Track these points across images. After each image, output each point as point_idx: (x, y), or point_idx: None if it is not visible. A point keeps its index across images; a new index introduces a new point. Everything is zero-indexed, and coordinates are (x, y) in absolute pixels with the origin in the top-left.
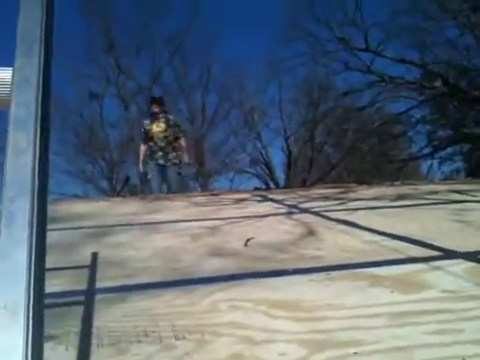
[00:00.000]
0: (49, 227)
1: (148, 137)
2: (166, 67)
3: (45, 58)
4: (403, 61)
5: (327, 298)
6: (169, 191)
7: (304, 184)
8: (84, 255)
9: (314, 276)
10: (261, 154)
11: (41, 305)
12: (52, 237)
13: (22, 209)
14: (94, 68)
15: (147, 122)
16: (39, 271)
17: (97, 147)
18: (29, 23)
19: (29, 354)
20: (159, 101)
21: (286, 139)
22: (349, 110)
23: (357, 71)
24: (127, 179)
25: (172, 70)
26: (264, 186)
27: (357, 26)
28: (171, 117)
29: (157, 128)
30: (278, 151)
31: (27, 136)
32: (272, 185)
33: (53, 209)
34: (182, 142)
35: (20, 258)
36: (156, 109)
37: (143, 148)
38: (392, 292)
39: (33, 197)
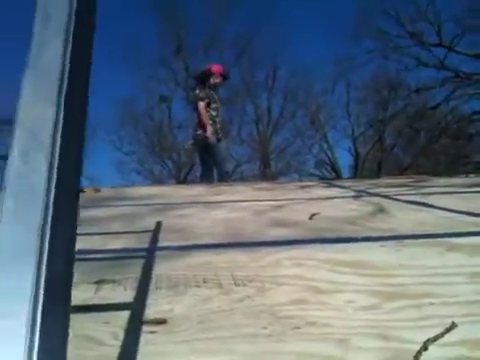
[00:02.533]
0: (118, 203)
1: (214, 106)
2: (233, 69)
3: None
4: (479, 56)
5: (399, 260)
6: (222, 167)
7: None
8: (148, 223)
9: (385, 243)
10: (327, 156)
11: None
12: (119, 210)
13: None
14: (164, 71)
15: (210, 91)
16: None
17: (165, 148)
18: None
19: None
20: (222, 73)
21: (354, 140)
22: (421, 109)
23: (430, 67)
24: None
25: (239, 71)
26: None
27: (430, 21)
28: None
29: (219, 100)
30: (345, 153)
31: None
32: None
33: (122, 191)
34: None
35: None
36: (219, 80)
37: (206, 110)
38: (471, 256)
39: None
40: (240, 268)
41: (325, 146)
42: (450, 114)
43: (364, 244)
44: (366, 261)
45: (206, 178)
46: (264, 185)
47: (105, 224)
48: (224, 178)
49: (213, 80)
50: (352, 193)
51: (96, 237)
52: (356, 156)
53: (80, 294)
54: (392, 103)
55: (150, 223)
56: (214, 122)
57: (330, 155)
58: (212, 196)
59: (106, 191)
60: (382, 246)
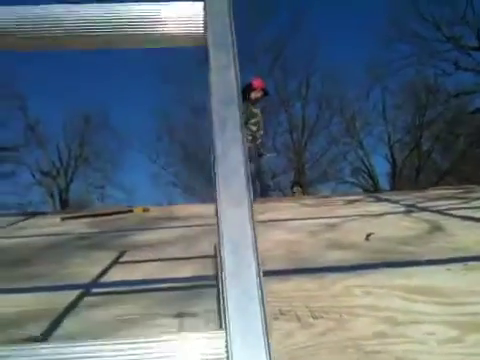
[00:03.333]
0: (170, 225)
1: (254, 121)
2: (266, 78)
3: None
4: None
5: (468, 286)
6: (263, 181)
7: None
8: (206, 247)
9: (450, 266)
10: (363, 163)
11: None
12: (173, 232)
13: (232, 114)
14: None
15: (250, 105)
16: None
17: (202, 161)
18: None
19: (263, 293)
20: (262, 86)
21: (390, 147)
22: (460, 113)
23: (469, 71)
24: None
25: (272, 81)
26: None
27: (468, 23)
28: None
29: (260, 114)
30: (381, 159)
31: (227, 57)
32: None
33: (170, 210)
34: None
35: (237, 159)
36: (259, 94)
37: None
38: None
39: (239, 104)
40: (312, 298)
41: (361, 153)
42: None
43: (430, 268)
44: (435, 287)
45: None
46: (311, 201)
47: (162, 248)
48: (266, 192)
49: (254, 95)
50: (402, 208)
51: (159, 263)
52: (393, 163)
53: (165, 330)
54: (430, 108)
55: (207, 246)
56: (254, 138)
57: (366, 162)
58: (260, 214)
59: (154, 210)
60: (448, 270)
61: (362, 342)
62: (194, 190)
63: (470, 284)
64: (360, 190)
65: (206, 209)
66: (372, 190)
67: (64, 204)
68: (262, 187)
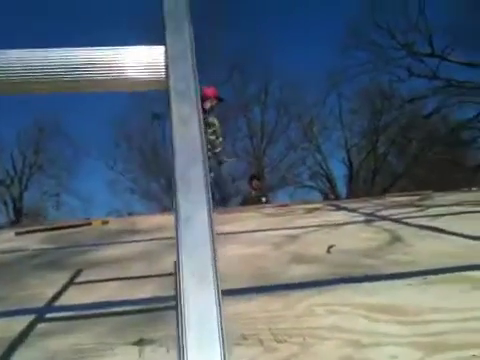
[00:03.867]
0: (130, 238)
1: (211, 131)
2: (225, 84)
3: (191, 35)
4: (471, 64)
5: (429, 302)
6: (222, 190)
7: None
8: (167, 264)
9: (410, 280)
10: (321, 167)
11: (217, 271)
12: (134, 247)
13: (196, 174)
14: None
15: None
16: (213, 237)
17: (159, 165)
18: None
19: (222, 316)
20: (215, 94)
21: (347, 151)
22: (414, 118)
23: (422, 77)
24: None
25: (231, 87)
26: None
27: (421, 31)
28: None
29: (217, 123)
30: (339, 163)
31: (190, 107)
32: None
33: (131, 222)
34: None
35: (201, 223)
36: (213, 104)
37: None
38: None
39: (204, 162)
40: (276, 319)
41: (319, 157)
42: (442, 122)
43: (391, 283)
44: (397, 305)
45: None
46: (271, 210)
47: (124, 266)
48: (226, 200)
49: (209, 104)
50: (362, 218)
51: (118, 283)
52: (350, 166)
53: (124, 359)
54: (385, 113)
55: (169, 262)
56: (214, 146)
57: (324, 166)
58: (222, 225)
59: (114, 222)
60: (408, 285)
61: None
62: (153, 196)
63: (431, 300)
64: (318, 194)
65: (167, 220)
66: (330, 193)
67: (18, 212)
68: (222, 195)
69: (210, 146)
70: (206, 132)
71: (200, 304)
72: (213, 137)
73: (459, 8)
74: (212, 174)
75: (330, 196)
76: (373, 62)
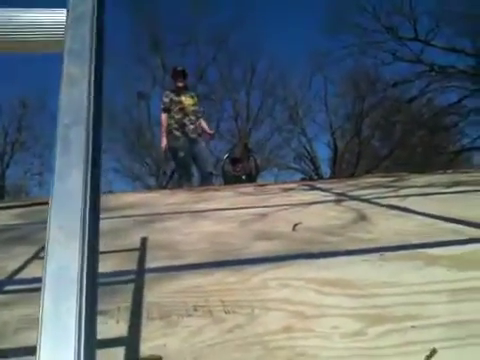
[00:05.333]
0: (104, 216)
1: (177, 109)
2: (210, 65)
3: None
4: (454, 50)
5: (382, 277)
6: (202, 168)
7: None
8: (134, 240)
9: (367, 256)
10: (306, 149)
11: (96, 227)
12: (103, 225)
13: (77, 136)
14: (141, 68)
15: (172, 94)
16: (94, 195)
17: (144, 146)
18: None
19: (84, 273)
20: (184, 74)
21: (332, 134)
22: (398, 102)
23: (406, 61)
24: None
25: (216, 69)
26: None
27: (405, 15)
28: (193, 93)
29: (187, 101)
30: (324, 146)
31: (81, 68)
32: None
33: (104, 200)
34: (202, 122)
35: (76, 182)
36: (181, 83)
37: (166, 120)
38: (449, 270)
39: (88, 124)
40: (229, 291)
41: (304, 140)
42: (426, 107)
43: (347, 259)
44: (350, 279)
45: (183, 179)
46: (247, 189)
47: None
48: (207, 179)
49: (175, 83)
50: (333, 197)
51: None
52: (335, 149)
53: None
54: (369, 97)
55: (136, 239)
56: (183, 125)
57: (309, 149)
58: (196, 204)
59: None
60: (365, 261)
61: (268, 338)
62: (136, 176)
63: (384, 275)
64: (303, 176)
65: (141, 198)
66: (314, 175)
67: (0, 191)
68: (202, 175)
69: (177, 125)
70: (170, 111)
71: (63, 257)
72: (179, 116)
73: None
74: (182, 154)
75: (314, 178)
76: (358, 45)
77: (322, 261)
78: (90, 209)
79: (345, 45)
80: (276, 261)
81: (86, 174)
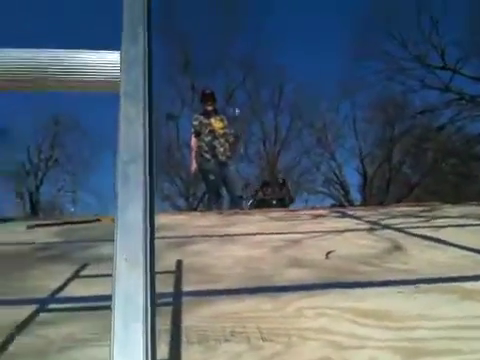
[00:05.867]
0: None
1: (207, 132)
2: (239, 88)
3: (149, 41)
4: None
5: (417, 309)
6: (231, 191)
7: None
8: (168, 262)
9: (402, 288)
10: (335, 174)
11: (154, 257)
12: None
13: (136, 171)
14: (170, 89)
15: (201, 117)
16: (151, 225)
17: (174, 166)
18: (134, 8)
19: (148, 300)
20: (213, 97)
21: (361, 159)
22: (428, 129)
23: (434, 89)
24: (170, 116)
25: (245, 91)
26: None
27: (433, 44)
28: (223, 116)
29: (217, 124)
30: (353, 171)
31: (137, 109)
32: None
33: None
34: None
35: (136, 215)
36: (210, 107)
37: (196, 144)
38: None
39: (145, 160)
40: (265, 319)
41: (333, 164)
42: (456, 135)
43: (382, 290)
44: (385, 311)
45: (212, 202)
46: (278, 214)
47: None
48: (237, 202)
49: (204, 106)
50: (365, 225)
51: None
52: (364, 175)
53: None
54: (398, 123)
55: (170, 261)
56: (213, 147)
57: (338, 173)
58: (226, 227)
59: None
60: (400, 292)
61: None
62: (166, 196)
63: (419, 308)
64: (332, 201)
65: (172, 220)
66: (344, 200)
67: (34, 207)
68: (231, 198)
69: (207, 147)
70: (200, 135)
71: (129, 286)
72: (208, 138)
73: (472, 23)
74: (212, 177)
75: (344, 203)
76: (385, 71)
77: (356, 291)
78: (150, 240)
79: (373, 71)
80: (310, 289)
81: (145, 207)
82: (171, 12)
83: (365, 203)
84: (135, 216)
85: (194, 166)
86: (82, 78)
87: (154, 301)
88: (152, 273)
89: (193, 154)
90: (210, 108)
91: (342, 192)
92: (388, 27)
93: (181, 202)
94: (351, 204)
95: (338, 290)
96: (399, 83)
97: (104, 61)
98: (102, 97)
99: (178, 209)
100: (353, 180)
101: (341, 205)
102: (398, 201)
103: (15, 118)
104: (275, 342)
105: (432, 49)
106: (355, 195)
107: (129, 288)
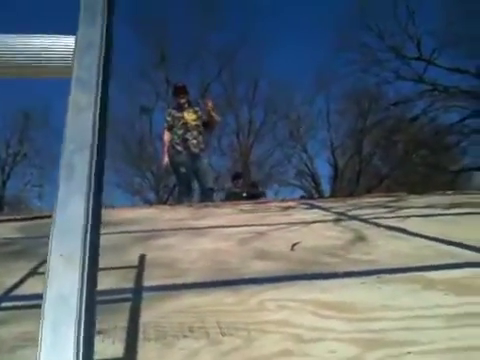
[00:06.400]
0: (104, 231)
1: (180, 125)
2: (215, 81)
3: (107, 26)
4: (458, 70)
5: (379, 300)
6: (203, 183)
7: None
8: (132, 257)
9: (365, 279)
10: (307, 166)
11: (96, 255)
12: (102, 241)
13: (81, 162)
14: (145, 83)
15: (174, 111)
16: (95, 221)
17: (146, 160)
18: None
19: (83, 300)
20: (185, 90)
21: (333, 151)
22: (400, 121)
23: (409, 80)
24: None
25: (220, 84)
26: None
27: (409, 35)
28: (197, 108)
29: (190, 116)
30: (324, 163)
31: (88, 96)
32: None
33: (104, 214)
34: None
35: (78, 209)
36: (182, 99)
37: (168, 137)
38: (446, 295)
39: (92, 152)
40: (226, 313)
41: (305, 157)
42: (427, 126)
43: (345, 281)
44: (348, 302)
45: (183, 195)
46: (247, 206)
47: None
48: (208, 195)
49: (177, 100)
50: (332, 216)
51: None
52: (335, 166)
53: None
54: (371, 115)
55: (134, 256)
56: (185, 140)
57: (310, 165)
58: (196, 220)
59: None
60: (363, 283)
61: None
62: (136, 190)
63: (382, 298)
64: (303, 193)
65: (140, 214)
66: (315, 192)
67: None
68: (202, 190)
69: (180, 140)
70: (173, 128)
71: (63, 284)
72: (180, 132)
73: (448, 14)
74: (183, 169)
75: (314, 195)
76: (361, 63)
77: (319, 283)
78: (91, 237)
79: (348, 63)
80: (273, 282)
81: (88, 201)
82: (146, 3)
83: (335, 195)
84: (76, 210)
85: (165, 160)
86: (33, 63)
87: (93, 301)
88: (93, 271)
89: (165, 148)
90: (183, 100)
91: (313, 184)
92: (365, 18)
93: (151, 196)
94: (321, 196)
95: (302, 282)
96: (374, 75)
97: (58, 46)
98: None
99: (149, 203)
100: (324, 172)
101: (311, 197)
102: (368, 192)
103: None
104: (235, 336)
105: (408, 40)
106: (326, 187)
107: (62, 288)
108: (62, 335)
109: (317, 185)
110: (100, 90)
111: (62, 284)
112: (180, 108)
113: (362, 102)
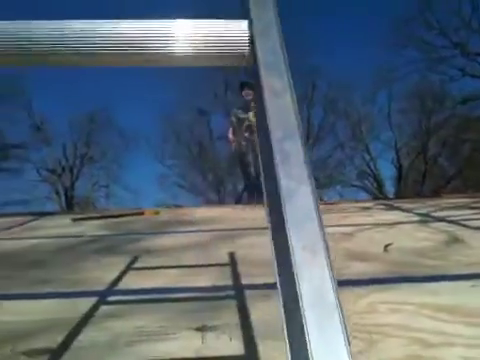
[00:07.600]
0: (181, 229)
1: (245, 127)
2: None
3: (276, 10)
4: None
5: None
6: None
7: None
8: (221, 254)
9: (475, 282)
10: (369, 167)
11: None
12: (185, 238)
13: (295, 149)
14: (203, 85)
15: (239, 111)
16: (317, 207)
17: (207, 161)
18: None
19: (337, 292)
20: (251, 86)
21: (396, 151)
22: (467, 119)
23: (475, 77)
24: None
25: None
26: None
27: (474, 30)
28: None
29: (255, 117)
30: (387, 164)
31: (280, 80)
32: None
33: (180, 213)
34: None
35: (305, 198)
36: (248, 96)
37: (233, 139)
38: None
39: (302, 137)
40: None
41: (367, 157)
42: None
43: (454, 284)
44: (462, 306)
45: (252, 195)
46: (322, 206)
47: (179, 255)
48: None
49: (245, 97)
50: (417, 218)
51: (176, 271)
52: (399, 167)
53: (188, 343)
54: (436, 114)
55: (222, 253)
56: (251, 141)
57: (372, 166)
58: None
59: (164, 213)
60: (473, 286)
61: None
62: (198, 191)
63: None
64: (366, 194)
65: (215, 212)
66: (378, 193)
67: (69, 201)
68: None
69: (245, 143)
70: (240, 129)
71: (315, 279)
72: (247, 134)
73: None
74: (251, 170)
75: (378, 196)
76: (424, 61)
77: (428, 286)
78: (321, 222)
79: (410, 61)
80: (378, 283)
81: (313, 189)
82: None
83: (400, 196)
84: (304, 199)
85: (232, 138)
86: (205, 51)
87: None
88: (331, 265)
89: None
90: (249, 98)
91: (376, 185)
92: (425, 15)
93: (213, 196)
94: (385, 197)
95: (407, 285)
96: (438, 72)
97: (232, 31)
98: (136, 94)
99: (211, 203)
100: (387, 173)
101: (375, 198)
102: (435, 193)
103: (51, 116)
104: (358, 339)
105: (473, 35)
106: (389, 188)
107: (315, 282)
108: (329, 335)
109: (380, 186)
110: (289, 73)
111: (313, 279)
112: (245, 108)
113: (426, 101)
